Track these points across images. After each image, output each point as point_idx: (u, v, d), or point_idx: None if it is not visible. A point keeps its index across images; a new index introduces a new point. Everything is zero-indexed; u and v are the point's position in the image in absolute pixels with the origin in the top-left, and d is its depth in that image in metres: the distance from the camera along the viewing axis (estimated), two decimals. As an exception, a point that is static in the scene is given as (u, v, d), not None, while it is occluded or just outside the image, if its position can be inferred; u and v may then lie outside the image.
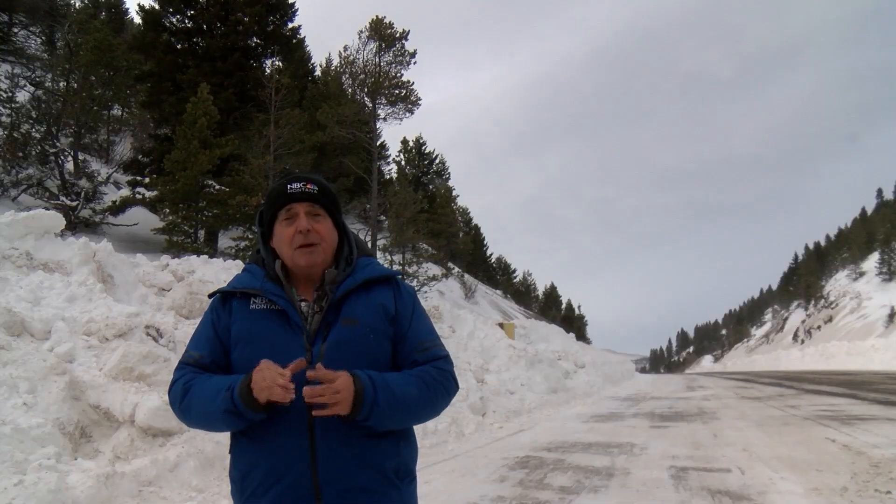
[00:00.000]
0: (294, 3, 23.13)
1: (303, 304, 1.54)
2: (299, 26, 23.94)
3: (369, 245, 20.48)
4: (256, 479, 1.46)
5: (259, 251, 1.65)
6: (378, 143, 30.88)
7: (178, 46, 21.88)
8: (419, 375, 1.51)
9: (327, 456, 1.42)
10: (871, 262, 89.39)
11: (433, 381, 1.51)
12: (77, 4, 29.62)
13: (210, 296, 1.64)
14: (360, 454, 1.45)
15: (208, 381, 1.48)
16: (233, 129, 20.19)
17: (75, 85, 19.45)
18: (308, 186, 1.56)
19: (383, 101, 27.27)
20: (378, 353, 1.52)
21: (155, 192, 18.33)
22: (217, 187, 18.65)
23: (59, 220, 7.45)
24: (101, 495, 3.89)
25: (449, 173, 48.48)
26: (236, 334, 1.53)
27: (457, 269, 43.93)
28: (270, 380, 1.34)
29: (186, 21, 21.99)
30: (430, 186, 44.30)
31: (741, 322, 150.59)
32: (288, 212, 1.55)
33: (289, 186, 1.56)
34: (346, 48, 27.41)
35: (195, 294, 7.31)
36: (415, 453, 1.62)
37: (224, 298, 1.59)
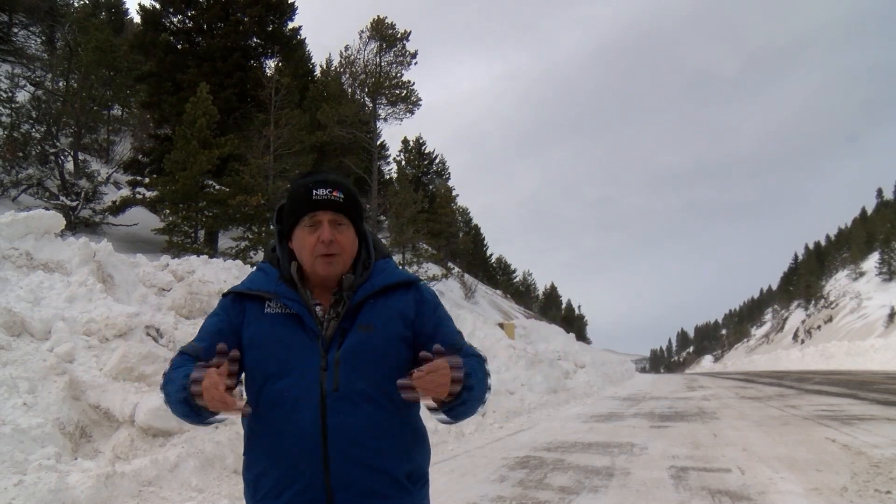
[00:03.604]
0: (294, 3, 23.15)
1: (318, 308, 1.52)
2: (299, 26, 24.02)
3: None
4: (269, 482, 1.46)
5: (273, 249, 1.62)
6: (378, 143, 30.90)
7: (179, 46, 21.90)
8: (474, 364, 1.51)
9: (340, 461, 1.42)
10: (871, 262, 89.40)
11: (483, 372, 1.53)
12: (77, 4, 29.64)
13: (225, 294, 1.61)
14: (373, 460, 1.44)
15: (187, 365, 1.44)
16: (232, 129, 20.20)
17: (75, 85, 19.46)
18: (335, 194, 1.51)
19: (384, 101, 27.33)
20: (393, 360, 1.50)
21: (155, 192, 18.34)
22: (217, 187, 18.65)
23: (59, 220, 7.45)
24: (101, 495, 3.89)
25: (449, 173, 48.53)
26: (250, 338, 1.51)
27: (457, 269, 43.92)
28: (218, 399, 1.28)
29: (186, 21, 22.01)
30: (430, 186, 44.30)
31: (741, 322, 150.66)
32: (312, 218, 1.50)
33: (314, 192, 1.50)
34: (346, 48, 27.52)
35: (195, 294, 7.31)
36: (428, 456, 1.61)
37: (238, 298, 1.57)
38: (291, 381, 1.44)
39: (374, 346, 1.48)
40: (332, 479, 1.42)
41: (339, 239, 1.50)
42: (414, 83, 27.13)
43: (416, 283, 1.62)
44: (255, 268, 1.70)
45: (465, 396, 1.40)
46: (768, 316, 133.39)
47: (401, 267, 1.75)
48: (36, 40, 28.74)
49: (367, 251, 1.62)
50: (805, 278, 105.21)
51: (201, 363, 1.39)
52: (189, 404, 1.37)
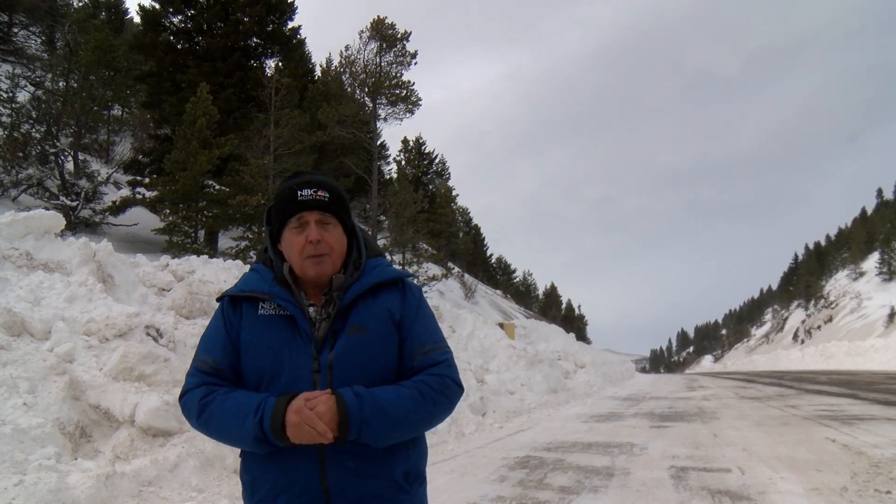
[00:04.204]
0: (294, 2, 23.14)
1: (311, 308, 1.52)
2: (299, 26, 23.97)
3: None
4: (266, 485, 1.46)
5: (266, 249, 1.62)
6: (378, 143, 30.88)
7: (179, 46, 21.89)
8: (415, 386, 1.46)
9: (336, 464, 1.42)
10: (871, 262, 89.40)
11: (430, 392, 1.46)
12: (77, 4, 29.65)
13: (218, 299, 1.61)
14: (370, 462, 1.44)
15: (228, 399, 1.44)
16: (233, 129, 20.20)
17: (75, 85, 19.46)
18: (319, 193, 1.51)
19: (384, 101, 27.28)
20: (386, 361, 1.50)
21: (155, 192, 18.34)
22: (217, 187, 18.64)
23: (59, 220, 7.45)
24: (101, 495, 3.89)
25: (449, 173, 48.57)
26: (245, 340, 1.51)
27: (457, 269, 43.93)
28: (309, 435, 1.34)
29: (186, 21, 22.00)
30: (430, 186, 44.30)
31: (741, 322, 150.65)
32: (298, 220, 1.51)
33: (299, 193, 1.51)
34: (346, 48, 27.45)
35: (195, 294, 7.30)
36: (425, 455, 1.61)
37: (234, 301, 1.57)
38: (285, 384, 1.43)
39: (365, 349, 1.47)
40: (329, 481, 1.42)
41: (326, 238, 1.50)
42: (414, 83, 27.10)
43: (402, 280, 1.61)
44: (248, 269, 1.71)
45: (365, 429, 1.38)
46: (768, 316, 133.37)
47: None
48: (36, 40, 28.76)
49: (358, 250, 1.61)
50: (805, 278, 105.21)
51: (280, 398, 1.40)
52: (264, 441, 1.39)
